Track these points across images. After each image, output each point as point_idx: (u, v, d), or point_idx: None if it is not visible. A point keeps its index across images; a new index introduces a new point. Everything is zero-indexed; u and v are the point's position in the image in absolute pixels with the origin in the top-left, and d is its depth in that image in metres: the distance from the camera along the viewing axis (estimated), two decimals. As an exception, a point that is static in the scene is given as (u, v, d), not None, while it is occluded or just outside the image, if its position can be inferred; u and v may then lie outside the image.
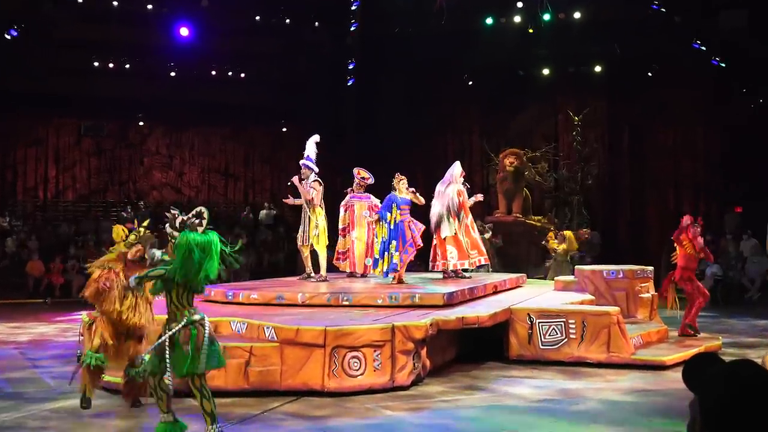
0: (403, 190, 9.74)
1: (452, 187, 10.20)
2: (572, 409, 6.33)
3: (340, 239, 10.72)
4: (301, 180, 10.01)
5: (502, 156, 18.02)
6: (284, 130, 22.11)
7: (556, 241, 13.47)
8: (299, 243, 10.09)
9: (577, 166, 19.04)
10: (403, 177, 9.80)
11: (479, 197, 10.53)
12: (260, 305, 8.46)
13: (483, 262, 10.37)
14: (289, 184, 10.23)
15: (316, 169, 10.07)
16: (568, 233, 13.67)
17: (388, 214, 9.63)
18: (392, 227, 9.62)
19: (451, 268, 10.19)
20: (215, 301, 8.80)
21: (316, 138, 10.27)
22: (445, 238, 10.16)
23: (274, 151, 22.40)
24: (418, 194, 9.82)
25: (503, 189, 17.95)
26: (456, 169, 10.40)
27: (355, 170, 10.94)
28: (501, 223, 16.80)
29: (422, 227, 9.82)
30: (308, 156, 10.13)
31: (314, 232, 9.88)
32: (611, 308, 8.56)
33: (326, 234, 10.03)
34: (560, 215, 18.71)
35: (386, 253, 9.56)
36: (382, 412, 6.18)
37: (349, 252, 10.70)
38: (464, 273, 10.52)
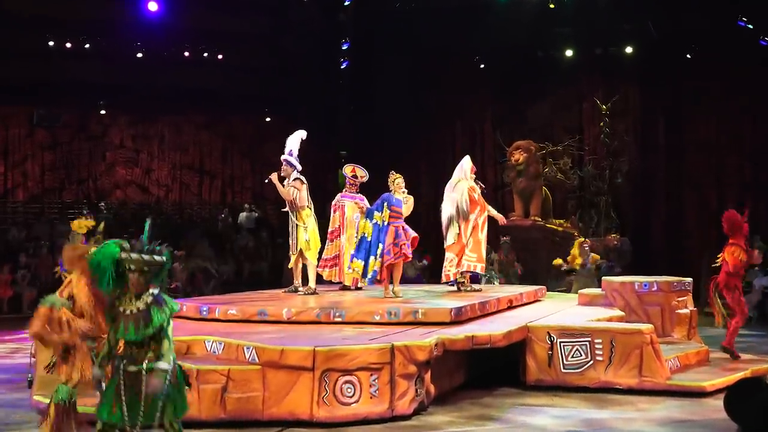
0: (398, 190, 9.69)
1: (463, 184, 10.20)
2: (599, 443, 6.32)
3: (328, 244, 10.73)
4: (281, 179, 10.02)
5: (509, 152, 18.05)
6: (268, 120, 22.14)
7: (582, 259, 13.34)
8: (291, 251, 10.09)
9: (605, 161, 19.06)
10: (398, 175, 9.73)
11: (501, 220, 10.52)
12: (239, 322, 8.46)
13: (477, 270, 10.28)
14: (266, 181, 10.21)
15: (299, 167, 10.06)
16: (576, 243, 13.59)
17: (377, 213, 9.57)
18: (379, 228, 9.57)
19: (451, 278, 10.21)
20: (187, 317, 8.79)
21: (302, 134, 10.25)
22: (451, 245, 10.18)
23: (257, 144, 22.41)
24: (408, 201, 9.69)
25: (518, 189, 17.97)
26: (466, 164, 10.40)
27: (349, 167, 10.94)
28: (517, 227, 16.82)
29: (414, 235, 9.75)
30: (290, 151, 10.11)
31: (304, 236, 9.88)
32: (644, 326, 8.56)
33: (318, 238, 10.02)
34: (585, 218, 18.74)
35: (372, 257, 9.52)
36: (379, 445, 6.17)
37: (338, 259, 10.71)
38: (473, 285, 10.52)
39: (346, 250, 10.55)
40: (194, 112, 22.21)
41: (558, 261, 13.77)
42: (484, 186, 10.59)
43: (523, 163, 17.72)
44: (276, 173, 10.06)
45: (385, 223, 9.50)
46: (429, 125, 20.92)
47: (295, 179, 9.94)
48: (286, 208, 10.06)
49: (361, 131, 20.50)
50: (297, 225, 9.93)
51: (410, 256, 9.75)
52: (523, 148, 17.90)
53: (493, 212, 10.55)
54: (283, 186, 9.99)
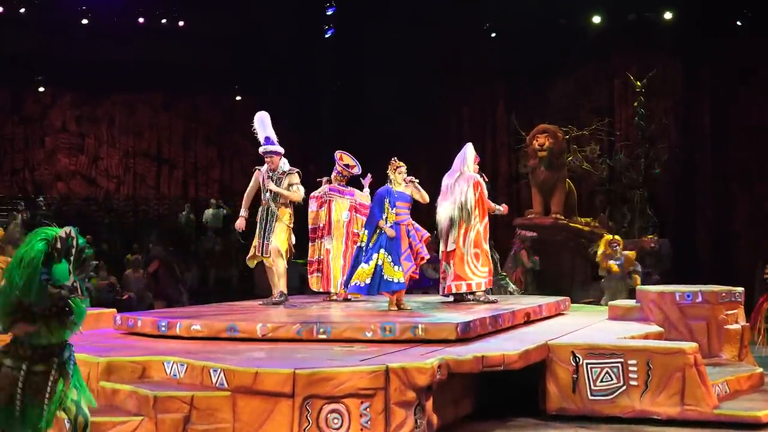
0: (400, 181, 9.71)
1: (465, 179, 10.21)
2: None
3: (315, 243, 10.74)
4: (270, 173, 10.01)
5: (531, 136, 18.07)
6: (238, 99, 22.16)
7: (613, 261, 13.35)
8: (254, 253, 10.10)
9: (640, 149, 19.11)
10: (401, 163, 9.77)
11: (503, 209, 10.53)
12: (205, 339, 8.44)
13: (486, 287, 10.37)
14: (267, 194, 10.16)
15: (281, 149, 10.07)
16: (602, 242, 13.61)
17: (380, 222, 9.54)
18: (382, 232, 9.56)
19: (454, 290, 10.30)
20: (143, 333, 8.78)
21: (263, 116, 10.16)
22: (452, 252, 10.23)
23: (226, 127, 22.42)
24: (420, 187, 9.78)
25: (537, 181, 18.01)
26: (468, 153, 10.43)
27: (337, 154, 10.94)
28: (536, 227, 16.85)
29: (426, 235, 9.80)
30: (268, 138, 10.10)
31: (282, 237, 9.90)
32: (686, 344, 8.56)
33: (291, 236, 10.02)
34: (616, 216, 18.78)
35: (364, 264, 9.52)
36: (372, 486, 6.15)
37: (322, 264, 10.71)
38: (487, 296, 10.55)
39: (335, 254, 10.55)
40: (151, 89, 22.21)
41: (610, 265, 13.64)
42: (487, 179, 10.64)
43: (548, 150, 17.72)
44: (263, 171, 9.98)
45: (391, 224, 9.49)
46: (429, 109, 20.94)
47: (290, 173, 9.97)
48: (267, 199, 10.03)
49: (347, 115, 20.51)
50: (276, 223, 9.91)
51: (427, 256, 9.79)
52: (550, 132, 17.92)
53: (494, 206, 10.57)
54: (270, 178, 9.95)
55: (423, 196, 9.85)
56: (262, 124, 10.16)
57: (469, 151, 10.49)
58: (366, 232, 9.64)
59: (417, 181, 9.81)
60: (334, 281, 10.78)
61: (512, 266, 15.43)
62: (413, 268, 9.67)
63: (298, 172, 10.00)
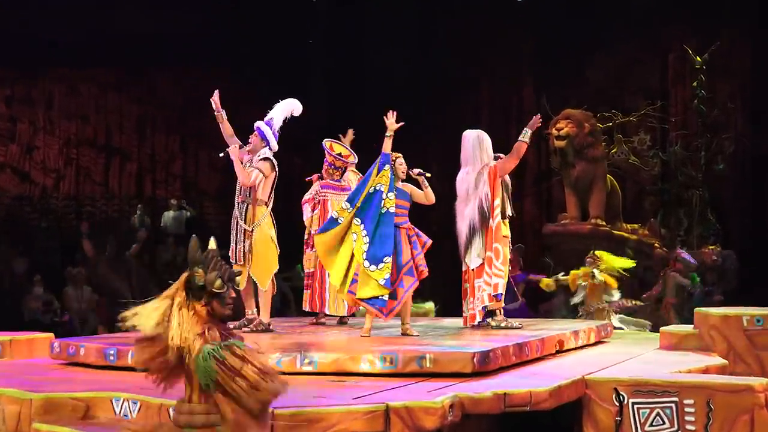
0: (400, 175, 9.71)
1: (483, 175, 10.29)
2: None
3: (306, 253, 10.78)
4: (245, 153, 10.09)
5: (553, 121, 18.06)
6: (204, 75, 22.15)
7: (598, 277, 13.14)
8: (232, 261, 10.13)
9: (700, 140, 19.11)
10: (398, 154, 9.79)
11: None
12: (163, 372, 8.43)
13: (503, 288, 10.36)
14: (221, 155, 10.26)
15: (275, 146, 10.13)
16: (572, 274, 13.50)
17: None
18: (374, 236, 9.57)
19: (478, 318, 10.36)
20: (87, 364, 8.79)
21: (293, 105, 10.40)
22: (479, 269, 10.29)
23: (189, 111, 22.42)
24: (426, 182, 9.77)
25: (572, 178, 18.00)
26: (486, 141, 10.50)
27: (326, 143, 10.97)
28: (571, 235, 16.87)
29: (428, 241, 9.80)
30: (270, 120, 10.19)
31: (246, 245, 9.91)
32: (756, 380, 8.55)
33: (274, 247, 10.03)
34: (670, 222, 18.78)
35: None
36: None
37: (313, 278, 10.74)
38: (509, 320, 10.56)
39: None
40: (98, 65, 22.20)
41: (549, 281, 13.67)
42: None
43: (566, 139, 17.70)
44: (236, 146, 10.08)
45: (387, 211, 9.50)
46: (441, 88, 20.95)
47: (263, 159, 9.97)
48: (242, 199, 10.05)
49: (342, 96, 20.52)
50: (243, 228, 9.94)
51: (425, 270, 9.79)
52: (574, 118, 17.90)
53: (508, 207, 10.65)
54: (244, 165, 9.99)
55: (428, 195, 9.81)
56: (282, 108, 10.39)
57: (485, 138, 10.51)
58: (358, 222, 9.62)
59: (428, 175, 9.81)
60: (331, 300, 10.77)
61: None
62: (416, 285, 9.67)
63: (268, 160, 10.00)
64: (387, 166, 9.60)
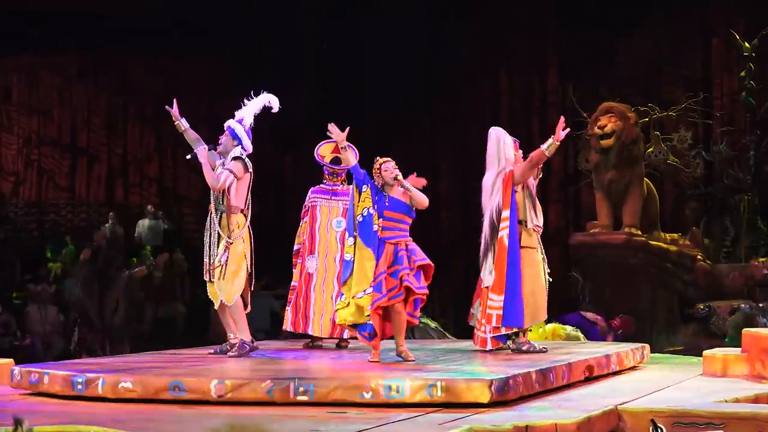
0: (391, 183, 9.67)
1: (498, 181, 10.35)
2: None
3: (297, 267, 10.82)
4: (215, 155, 10.14)
5: (593, 119, 18.05)
6: (183, 63, 22.17)
7: None
8: (206, 278, 10.20)
9: (749, 137, 19.10)
10: (385, 159, 9.75)
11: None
12: (139, 402, 8.48)
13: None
14: (188, 157, 10.34)
15: (248, 146, 10.17)
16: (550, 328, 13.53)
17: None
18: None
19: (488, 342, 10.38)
20: (51, 394, 8.82)
21: (267, 99, 10.41)
22: (489, 288, 10.36)
23: (166, 103, 22.45)
24: (410, 186, 9.69)
25: (602, 182, 17.98)
26: (506, 139, 10.50)
27: (318, 152, 11.02)
28: (602, 246, 16.90)
29: (425, 262, 9.75)
30: (241, 118, 10.27)
31: (223, 258, 9.96)
32: (811, 411, 8.59)
33: (245, 265, 10.11)
34: (715, 231, 18.76)
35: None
36: None
37: (297, 294, 10.78)
38: (532, 343, 10.60)
39: (319, 280, 10.62)
40: (62, 51, 22.24)
41: None
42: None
43: (613, 136, 17.70)
44: (203, 147, 10.15)
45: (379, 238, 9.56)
46: (453, 77, 20.98)
47: (235, 158, 10.03)
48: (219, 207, 10.11)
49: (340, 85, 20.55)
50: (219, 235, 10.00)
51: (420, 292, 9.75)
52: (616, 111, 17.88)
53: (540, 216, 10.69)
54: (214, 168, 10.06)
55: (418, 198, 9.72)
56: (254, 105, 10.40)
57: (505, 137, 10.53)
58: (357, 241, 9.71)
59: (402, 179, 9.68)
60: (315, 319, 10.83)
61: None
62: (383, 300, 9.58)
63: (241, 159, 10.07)
64: (365, 186, 9.66)
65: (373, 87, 20.28)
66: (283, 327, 11.20)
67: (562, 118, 10.52)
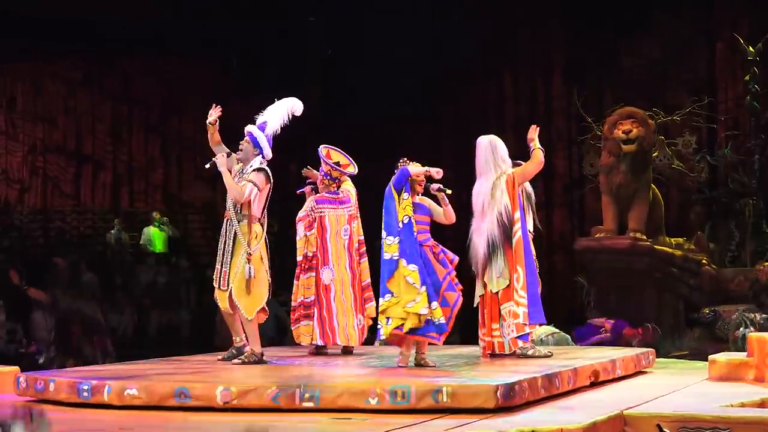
0: (417, 189, 9.73)
1: (500, 184, 10.33)
2: None
3: (301, 279, 10.83)
4: (234, 162, 10.10)
5: (611, 122, 18.04)
6: (187, 67, 22.16)
7: None
8: (216, 285, 10.19)
9: (754, 141, 19.07)
10: (417, 165, 9.80)
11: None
12: (144, 409, 8.48)
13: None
14: (207, 165, 10.27)
15: (269, 153, 10.15)
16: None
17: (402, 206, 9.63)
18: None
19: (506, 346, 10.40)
20: (57, 401, 8.82)
21: (292, 104, 10.43)
22: (498, 293, 10.33)
23: (170, 110, 22.47)
24: (446, 199, 9.80)
25: (612, 186, 17.96)
26: (500, 146, 10.54)
27: (323, 150, 11.01)
28: (607, 251, 16.88)
29: (456, 258, 9.86)
30: (263, 123, 10.22)
31: (247, 270, 9.91)
32: (819, 416, 8.58)
33: (266, 269, 10.10)
34: (720, 235, 18.74)
35: (391, 296, 9.60)
36: None
37: (320, 307, 10.76)
38: (538, 348, 10.60)
39: (338, 290, 10.62)
40: (67, 57, 22.24)
41: None
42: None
43: (636, 142, 17.67)
44: (223, 154, 10.06)
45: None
46: (456, 80, 20.95)
47: (257, 170, 10.01)
48: (229, 215, 10.07)
49: (342, 89, 20.54)
50: (235, 243, 9.96)
51: (458, 294, 9.83)
52: (639, 118, 17.84)
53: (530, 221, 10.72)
54: (233, 176, 10.03)
55: (448, 214, 9.82)
56: (278, 109, 10.41)
57: (498, 144, 10.54)
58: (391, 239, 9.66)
59: (449, 192, 9.79)
60: (340, 330, 10.83)
61: None
62: (461, 300, 9.70)
63: (263, 170, 10.04)
64: (405, 194, 9.65)
65: (375, 91, 20.24)
66: (311, 341, 11.01)
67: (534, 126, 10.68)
